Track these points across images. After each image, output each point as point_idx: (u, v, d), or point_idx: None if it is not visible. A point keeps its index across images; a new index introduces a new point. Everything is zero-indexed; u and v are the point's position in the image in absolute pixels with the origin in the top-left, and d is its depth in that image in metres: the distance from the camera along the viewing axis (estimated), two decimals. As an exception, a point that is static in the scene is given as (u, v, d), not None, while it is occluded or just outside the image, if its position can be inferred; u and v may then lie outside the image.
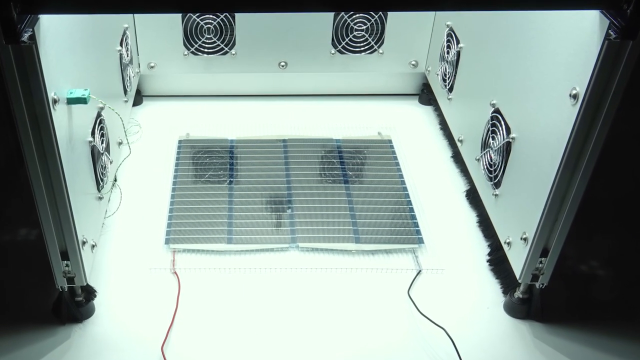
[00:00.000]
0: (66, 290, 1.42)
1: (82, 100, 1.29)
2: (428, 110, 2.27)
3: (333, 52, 2.18)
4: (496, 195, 1.59)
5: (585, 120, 1.22)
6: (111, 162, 1.68)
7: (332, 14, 2.11)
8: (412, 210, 1.78)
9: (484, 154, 1.67)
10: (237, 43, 2.14)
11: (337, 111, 2.24)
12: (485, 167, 1.67)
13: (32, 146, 1.19)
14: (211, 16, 2.08)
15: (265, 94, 2.31)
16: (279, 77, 2.27)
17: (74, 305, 1.45)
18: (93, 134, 1.49)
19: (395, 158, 1.98)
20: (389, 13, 2.13)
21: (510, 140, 1.51)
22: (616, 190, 1.55)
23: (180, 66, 2.17)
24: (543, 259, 1.41)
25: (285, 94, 2.31)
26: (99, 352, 1.41)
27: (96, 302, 1.50)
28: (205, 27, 2.10)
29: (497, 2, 1.28)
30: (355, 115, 2.21)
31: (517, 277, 1.46)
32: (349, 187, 1.85)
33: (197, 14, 2.08)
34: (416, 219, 1.75)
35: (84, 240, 1.39)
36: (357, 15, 2.12)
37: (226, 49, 2.14)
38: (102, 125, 1.57)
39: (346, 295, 1.56)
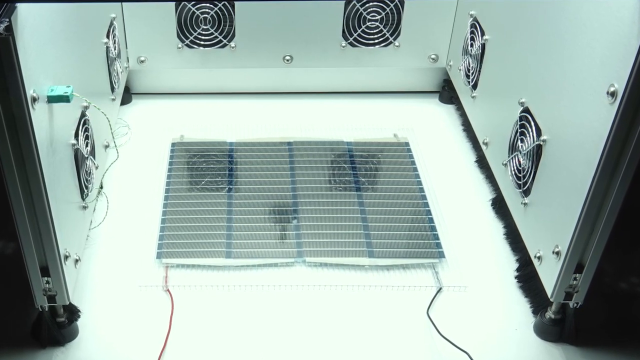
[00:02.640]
0: (47, 309, 1.43)
1: (64, 99, 1.30)
2: (449, 109, 2.27)
3: (344, 44, 2.18)
4: (525, 204, 1.59)
5: (625, 120, 1.22)
6: (97, 168, 1.68)
7: (342, 2, 2.11)
8: (431, 221, 1.78)
9: (512, 158, 1.67)
10: (236, 35, 2.14)
11: (348, 110, 2.24)
12: (513, 172, 1.67)
13: (9, 149, 1.19)
14: (208, 5, 2.09)
15: (268, 91, 2.31)
16: (283, 73, 2.28)
17: (55, 326, 1.45)
18: (77, 135, 1.49)
19: (413, 163, 1.98)
20: (406, 1, 2.13)
21: (541, 143, 1.51)
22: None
23: (173, 60, 2.18)
24: (577, 275, 1.41)
25: (290, 92, 2.31)
26: (82, 379, 1.42)
27: (80, 323, 1.50)
28: (201, 17, 2.11)
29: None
30: (368, 115, 2.21)
31: (549, 295, 1.46)
32: (362, 195, 1.85)
33: (193, 2, 2.08)
34: (436, 231, 1.75)
35: (67, 254, 1.39)
36: (371, 3, 2.12)
37: (225, 41, 2.15)
38: (86, 126, 1.57)
39: (358, 316, 1.56)
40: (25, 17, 1.16)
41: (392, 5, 2.13)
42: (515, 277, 1.65)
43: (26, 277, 1.35)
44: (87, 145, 1.58)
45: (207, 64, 2.19)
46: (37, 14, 1.24)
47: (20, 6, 1.14)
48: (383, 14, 2.14)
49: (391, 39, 2.19)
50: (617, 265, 1.58)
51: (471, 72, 2.01)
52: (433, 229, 1.76)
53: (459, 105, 2.16)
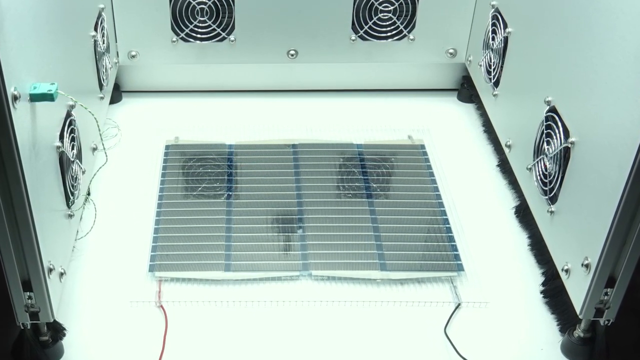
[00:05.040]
0: (29, 327, 1.43)
1: (48, 97, 1.30)
2: (469, 108, 2.28)
3: (353, 38, 2.18)
4: (552, 212, 1.59)
5: (661, 120, 1.22)
6: (84, 172, 1.69)
7: (352, -9, 2.12)
8: (449, 230, 1.79)
9: (537, 162, 1.67)
10: (236, 27, 2.15)
11: (358, 110, 2.24)
12: (538, 178, 1.67)
13: (-12, 153, 1.20)
14: (205, -5, 2.10)
15: (271, 89, 2.32)
16: (287, 69, 2.28)
17: (38, 346, 1.46)
18: (62, 137, 1.49)
19: (430, 167, 1.98)
20: (422, -10, 2.14)
21: (569, 146, 1.51)
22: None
23: (167, 55, 2.19)
24: (609, 289, 1.41)
25: (295, 89, 2.32)
26: (68, 403, 1.42)
27: (65, 342, 1.50)
28: (198, 7, 2.11)
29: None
30: (380, 115, 2.22)
31: (578, 311, 1.46)
32: (373, 203, 1.85)
33: (189, -7, 2.10)
34: (454, 242, 1.76)
35: (51, 267, 1.40)
36: (383, -7, 2.13)
37: (223, 34, 2.16)
38: (72, 127, 1.58)
39: (370, 334, 1.56)
40: (6, 7, 1.17)
41: (406, -6, 2.14)
42: (541, 292, 1.65)
43: (6, 292, 1.36)
44: (73, 148, 1.58)
45: (204, 59, 2.20)
46: (18, 5, 1.24)
47: (1, -4, 1.15)
48: (396, 4, 2.14)
49: (405, 31, 2.19)
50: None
51: (493, 68, 2.01)
52: (451, 239, 1.76)
53: (480, 104, 2.17)
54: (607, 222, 1.34)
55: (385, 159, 2.01)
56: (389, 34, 2.19)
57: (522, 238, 1.79)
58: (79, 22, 1.76)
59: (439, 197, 1.88)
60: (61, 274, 1.48)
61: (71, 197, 1.57)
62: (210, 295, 1.62)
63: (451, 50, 2.24)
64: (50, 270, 1.39)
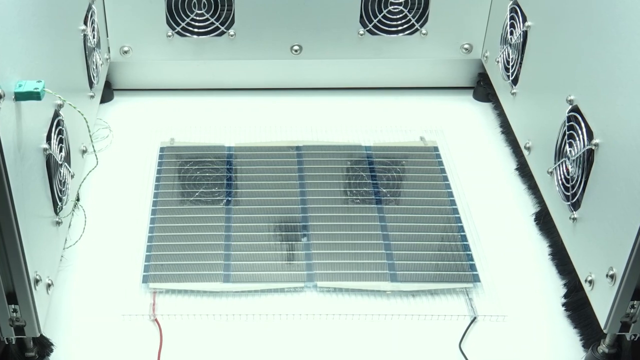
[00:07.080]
0: (14, 342, 1.43)
1: (34, 96, 1.30)
2: (485, 108, 2.28)
3: (362, 32, 2.18)
4: (574, 219, 1.59)
5: (691, 120, 1.22)
6: (72, 176, 1.69)
7: (360, -17, 2.13)
8: (464, 239, 1.79)
9: (559, 165, 1.67)
10: (236, 21, 2.15)
11: (367, 109, 2.25)
12: (560, 182, 1.67)
13: (-30, 155, 1.20)
14: (203, -14, 2.11)
15: (273, 87, 2.32)
16: (291, 65, 2.28)
17: (23, 362, 1.46)
18: (49, 139, 1.50)
19: (443, 171, 1.98)
20: (435, -19, 2.15)
21: (593, 148, 1.50)
22: None
23: (162, 51, 2.19)
24: (636, 302, 1.40)
25: (299, 87, 2.32)
26: None
27: (53, 358, 1.50)
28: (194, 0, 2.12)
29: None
30: (390, 115, 2.22)
31: (602, 325, 1.46)
32: (383, 209, 1.86)
33: (185, -16, 2.10)
34: (470, 251, 1.76)
35: (37, 278, 1.39)
36: (393, -16, 2.13)
37: (222, 28, 2.16)
38: (60, 128, 1.58)
39: (379, 350, 1.56)
40: (-10, 1, 1.17)
41: (418, -14, 2.14)
42: (563, 305, 1.65)
43: (-10, 305, 1.36)
44: (61, 150, 1.59)
45: (202, 55, 2.20)
46: (3, -2, 1.25)
47: (-16, -11, 1.15)
48: (407, -4, 2.15)
49: (417, 25, 2.19)
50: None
51: (511, 64, 2.01)
52: (466, 248, 1.76)
53: (497, 103, 2.17)
54: (633, 230, 1.34)
55: (396, 162, 2.01)
56: (399, 28, 2.19)
57: (542, 247, 1.79)
58: (68, 15, 1.76)
59: (453, 202, 1.88)
60: (48, 286, 1.48)
61: (59, 203, 1.57)
62: (208, 308, 1.62)
63: (466, 46, 2.24)
64: (37, 281, 1.39)
